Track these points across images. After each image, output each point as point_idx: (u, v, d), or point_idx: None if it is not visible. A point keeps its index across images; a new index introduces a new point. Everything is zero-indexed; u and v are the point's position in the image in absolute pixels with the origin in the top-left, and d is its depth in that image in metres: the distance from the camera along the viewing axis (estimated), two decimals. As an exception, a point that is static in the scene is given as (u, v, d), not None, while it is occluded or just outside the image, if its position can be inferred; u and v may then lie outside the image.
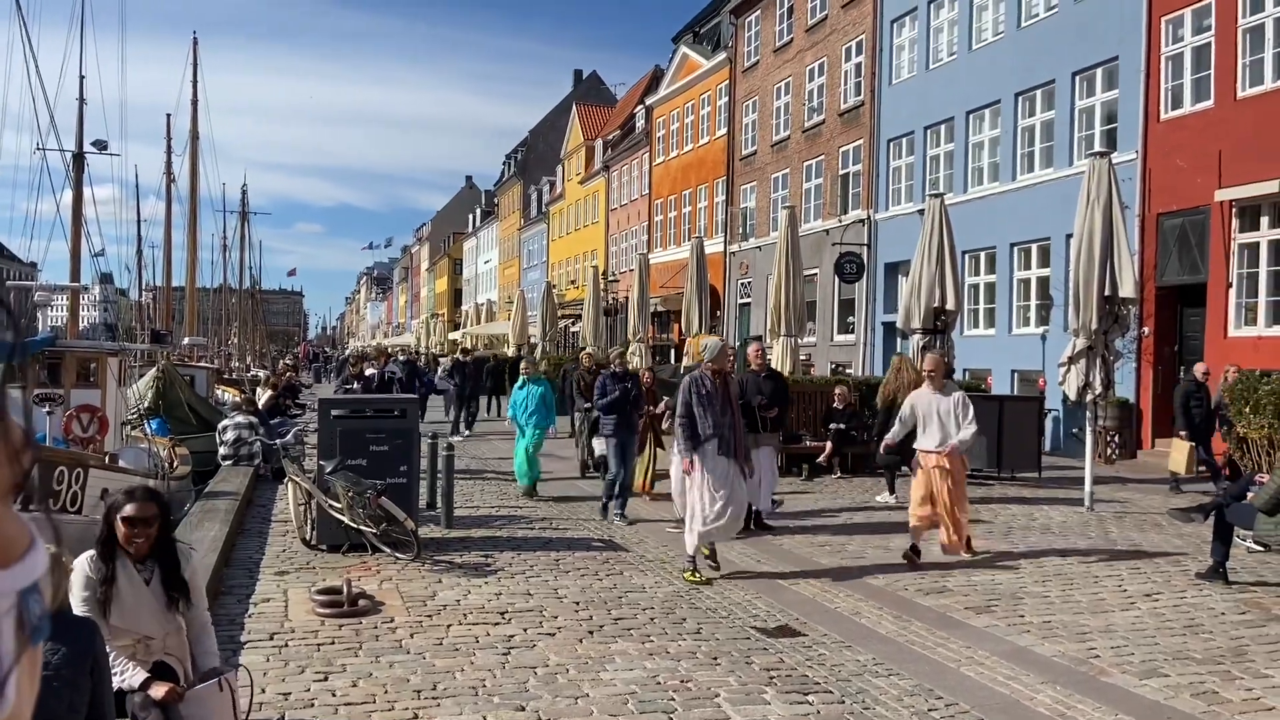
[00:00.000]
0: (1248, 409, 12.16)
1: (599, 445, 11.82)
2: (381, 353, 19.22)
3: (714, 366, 7.70)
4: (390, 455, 8.71)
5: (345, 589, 6.60)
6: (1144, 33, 16.48)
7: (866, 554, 8.67)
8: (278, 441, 11.37)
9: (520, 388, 12.07)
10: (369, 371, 17.53)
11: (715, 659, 5.68)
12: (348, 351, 61.37)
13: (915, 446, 8.42)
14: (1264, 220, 14.49)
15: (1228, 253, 14.85)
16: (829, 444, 13.54)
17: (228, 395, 24.84)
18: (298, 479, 8.90)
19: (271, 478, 12.67)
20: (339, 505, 8.23)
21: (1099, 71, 17.76)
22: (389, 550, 8.12)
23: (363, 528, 8.14)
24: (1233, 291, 14.82)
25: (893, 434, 8.86)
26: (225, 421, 14.24)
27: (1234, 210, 14.77)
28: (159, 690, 3.69)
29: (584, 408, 13.13)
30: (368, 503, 8.07)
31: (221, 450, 13.44)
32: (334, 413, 8.96)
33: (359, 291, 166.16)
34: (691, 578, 7.44)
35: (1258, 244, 14.58)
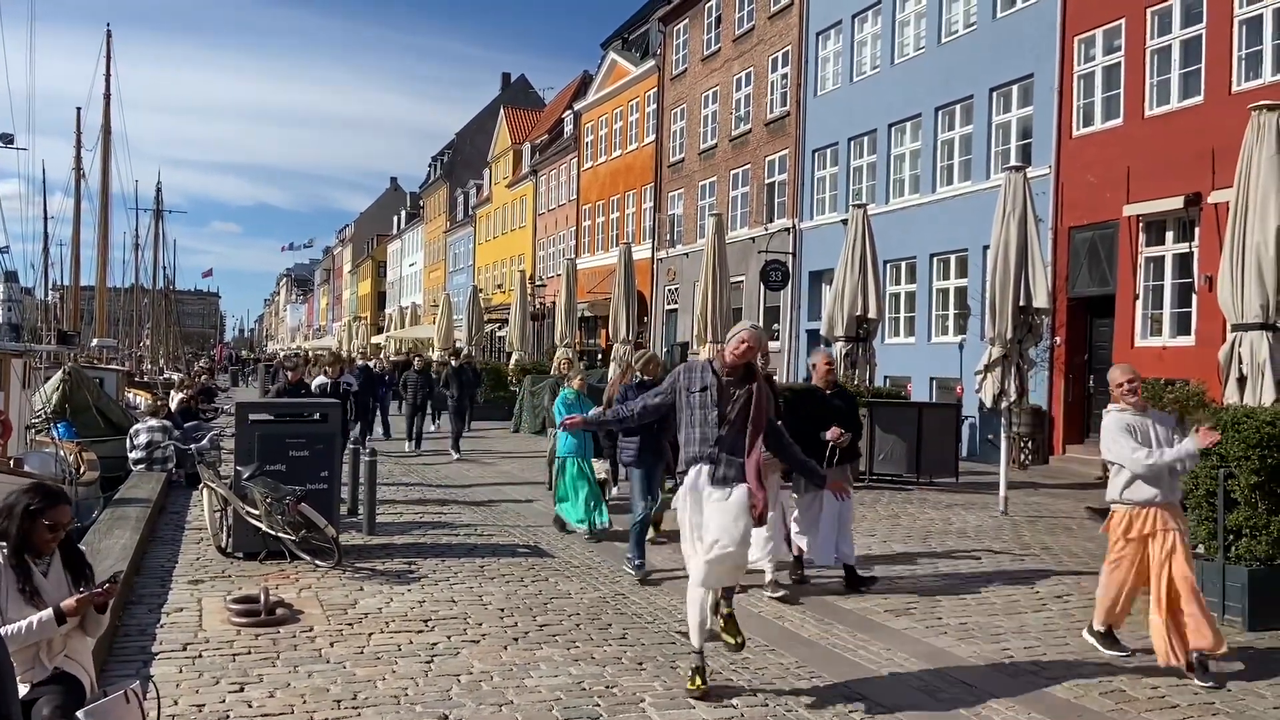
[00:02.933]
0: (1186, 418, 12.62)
1: (599, 467, 10.04)
2: (336, 359, 15.38)
3: (736, 356, 5.25)
4: (311, 461, 8.53)
5: (262, 597, 6.43)
6: (1058, 51, 17.06)
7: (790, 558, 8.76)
8: (192, 446, 11.05)
9: (567, 405, 9.64)
10: (318, 382, 13.53)
11: (641, 664, 5.69)
12: (280, 355, 54.19)
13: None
14: (1169, 235, 15.10)
15: (1135, 266, 15.44)
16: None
17: (139, 399, 24.07)
18: (213, 485, 8.66)
19: (185, 484, 12.29)
20: (256, 512, 8.03)
21: (1015, 88, 18.32)
22: (308, 558, 7.94)
23: (281, 535, 7.95)
24: (1139, 303, 15.41)
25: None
26: (137, 425, 13.79)
27: (1141, 225, 15.36)
28: (71, 602, 3.68)
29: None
30: (286, 509, 7.88)
31: (133, 455, 13.00)
32: (252, 417, 8.74)
33: (279, 293, 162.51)
34: (693, 685, 5.15)
35: (1163, 258, 15.19)
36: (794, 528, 7.61)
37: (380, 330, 62.78)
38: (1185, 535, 5.66)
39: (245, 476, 8.19)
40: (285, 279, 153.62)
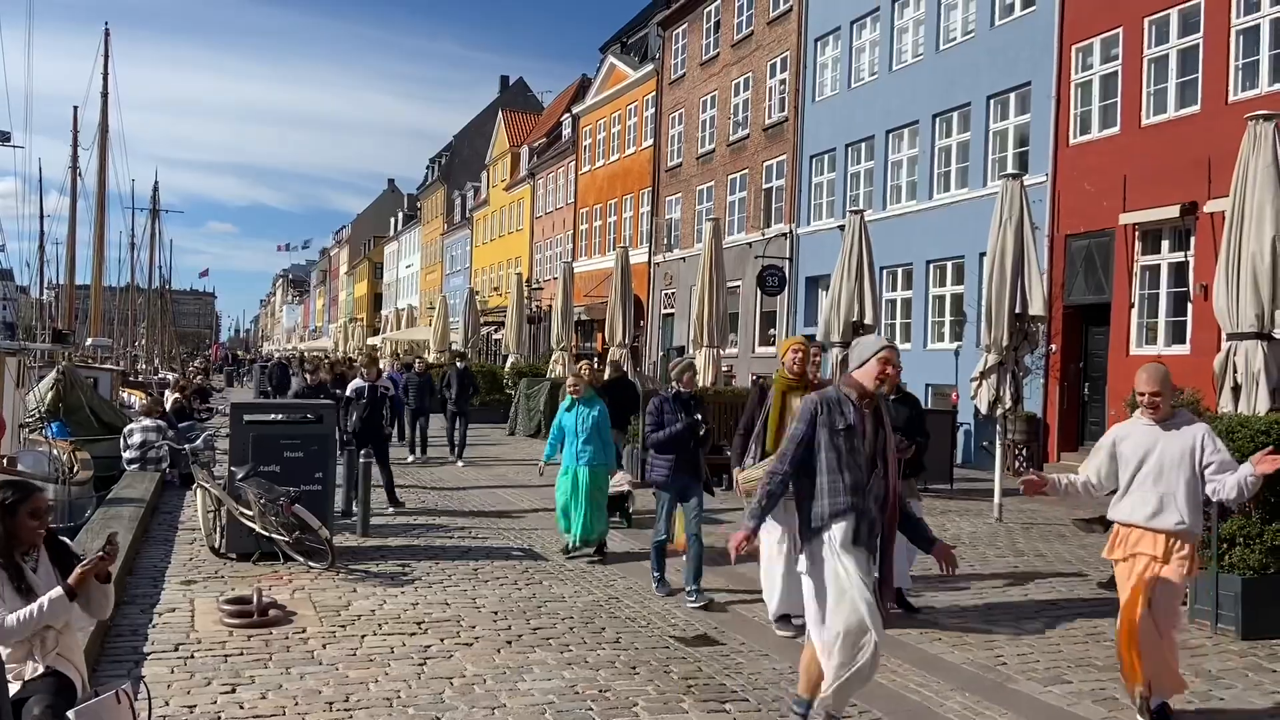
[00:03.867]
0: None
1: (620, 478, 9.87)
2: (373, 360, 13.15)
3: (878, 381, 4.38)
4: (305, 462, 8.52)
5: (255, 598, 6.42)
6: (1055, 59, 17.10)
7: (784, 563, 8.76)
8: (186, 446, 11.01)
9: (568, 409, 8.90)
10: (354, 385, 11.68)
11: (634, 668, 5.68)
12: (294, 355, 48.91)
13: None
14: (1164, 244, 15.13)
15: (1130, 274, 15.47)
16: None
17: (133, 399, 24.02)
18: (207, 485, 8.64)
19: (179, 484, 12.27)
20: (250, 512, 8.02)
21: (1012, 96, 18.36)
22: (302, 559, 7.93)
23: (275, 536, 7.93)
24: (1134, 312, 15.44)
25: None
26: (131, 425, 13.76)
27: (1137, 233, 15.39)
28: (77, 573, 3.66)
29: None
30: (280, 510, 7.87)
31: (127, 455, 12.97)
32: (247, 417, 8.73)
33: (274, 294, 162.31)
34: None
35: (1159, 266, 15.22)
36: None
37: (376, 332, 62.67)
38: (1178, 569, 4.81)
39: (239, 477, 8.18)
40: (281, 280, 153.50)
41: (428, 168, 74.11)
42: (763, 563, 6.70)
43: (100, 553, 3.71)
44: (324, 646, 5.91)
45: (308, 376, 12.28)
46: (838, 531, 4.27)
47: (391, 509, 10.89)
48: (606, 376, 14.38)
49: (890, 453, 4.37)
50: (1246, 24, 13.97)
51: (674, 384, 7.79)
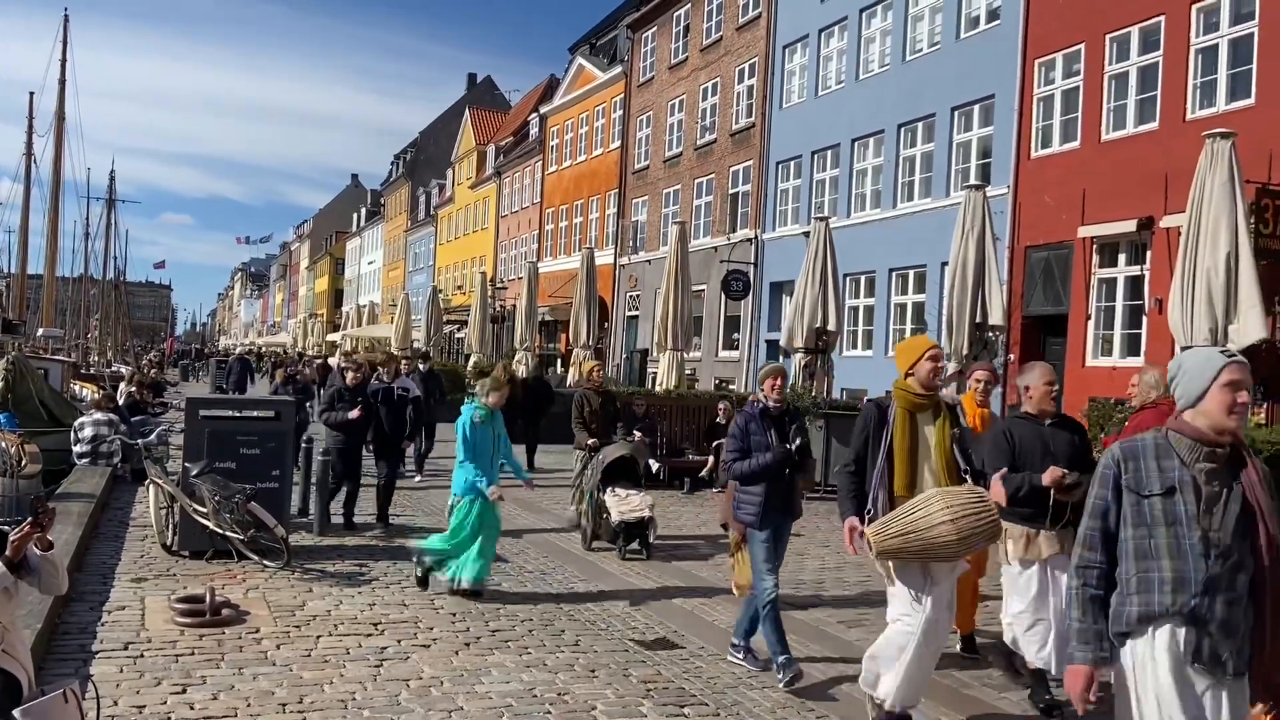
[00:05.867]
0: (1102, 434, 12.87)
1: (616, 506, 8.85)
2: (391, 358, 11.45)
3: (1232, 421, 2.96)
4: (262, 458, 8.40)
5: (208, 597, 6.31)
6: (1018, 73, 17.35)
7: (744, 567, 8.77)
8: (139, 441, 10.79)
9: (481, 422, 7.37)
10: (369, 389, 10.18)
11: (593, 671, 5.65)
12: (292, 349, 43.09)
13: None
14: (1121, 257, 15.40)
15: (1088, 286, 15.73)
16: (711, 458, 13.71)
17: (85, 391, 23.54)
18: (160, 481, 8.48)
19: (131, 479, 12.03)
20: (204, 510, 7.88)
21: (976, 108, 18.59)
22: (256, 558, 7.81)
23: (229, 533, 7.81)
24: (1091, 323, 15.70)
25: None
26: (83, 419, 13.47)
27: (1095, 247, 15.65)
28: (14, 539, 3.52)
29: (587, 446, 9.28)
30: (235, 507, 7.75)
31: (77, 449, 12.69)
32: (203, 413, 8.58)
33: (233, 288, 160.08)
34: None
35: (1115, 279, 15.49)
36: (1013, 621, 5.31)
37: (336, 328, 62.04)
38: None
39: (194, 473, 8.04)
40: (241, 273, 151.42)
41: (392, 164, 73.55)
42: (895, 637, 4.73)
43: (29, 519, 3.59)
44: (278, 647, 5.82)
45: (345, 376, 10.23)
46: (1161, 641, 2.90)
47: (379, 526, 9.81)
48: (506, 379, 13.81)
49: (1259, 531, 2.88)
50: (1205, 43, 14.26)
51: (760, 395, 5.94)
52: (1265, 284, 9.44)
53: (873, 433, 4.84)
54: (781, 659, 5.47)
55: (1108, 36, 15.72)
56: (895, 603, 4.73)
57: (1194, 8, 14.30)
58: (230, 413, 8.84)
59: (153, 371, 34.22)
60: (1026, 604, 5.17)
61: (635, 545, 8.86)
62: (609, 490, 9.06)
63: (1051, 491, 4.95)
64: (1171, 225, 12.68)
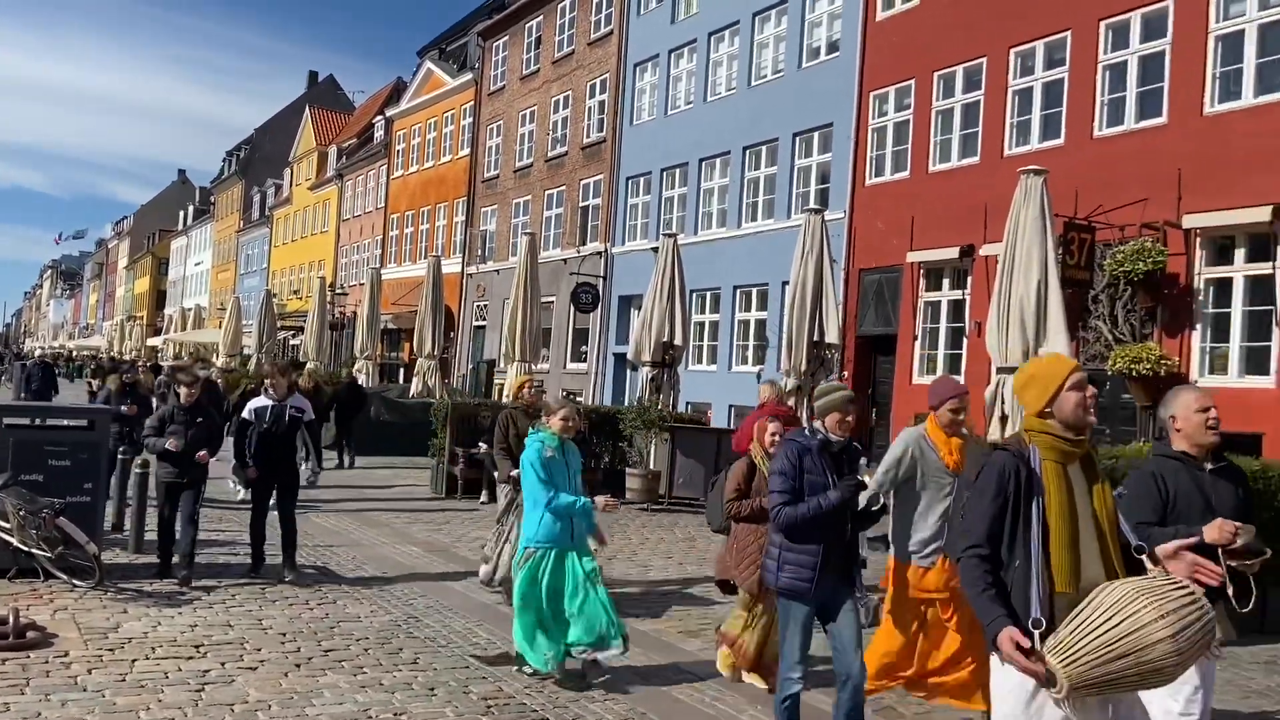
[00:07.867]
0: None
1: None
2: (281, 371, 9.08)
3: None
4: (73, 471, 7.82)
5: (11, 619, 5.86)
6: (855, 104, 18.20)
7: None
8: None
9: (553, 455, 5.90)
10: (254, 404, 8.47)
11: (432, 689, 5.53)
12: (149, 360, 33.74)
13: None
14: (945, 282, 16.36)
15: (915, 309, 16.62)
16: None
17: None
18: (-46, 494, 7.76)
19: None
20: (7, 525, 7.29)
21: (816, 134, 19.38)
22: (65, 577, 7.28)
23: (35, 550, 7.25)
24: (917, 344, 16.59)
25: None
26: None
27: (921, 271, 16.57)
28: None
29: (511, 477, 7.33)
30: (42, 523, 7.20)
31: None
32: (7, 420, 7.93)
33: (41, 286, 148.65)
34: None
35: (940, 303, 16.43)
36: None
37: (158, 332, 58.54)
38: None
39: (-5, 486, 7.40)
40: (51, 271, 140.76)
41: (224, 161, 70.11)
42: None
43: None
44: (89, 671, 5.43)
45: (180, 392, 8.31)
46: None
47: (289, 575, 7.99)
48: (302, 383, 13.86)
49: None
50: (1021, 85, 15.35)
51: (819, 426, 4.59)
52: (1070, 310, 10.25)
53: (1016, 497, 3.11)
54: None
55: (935, 74, 16.70)
56: None
57: (1012, 51, 15.39)
58: (38, 421, 8.21)
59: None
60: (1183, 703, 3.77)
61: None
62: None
63: (1221, 556, 3.55)
64: (990, 254, 13.55)
